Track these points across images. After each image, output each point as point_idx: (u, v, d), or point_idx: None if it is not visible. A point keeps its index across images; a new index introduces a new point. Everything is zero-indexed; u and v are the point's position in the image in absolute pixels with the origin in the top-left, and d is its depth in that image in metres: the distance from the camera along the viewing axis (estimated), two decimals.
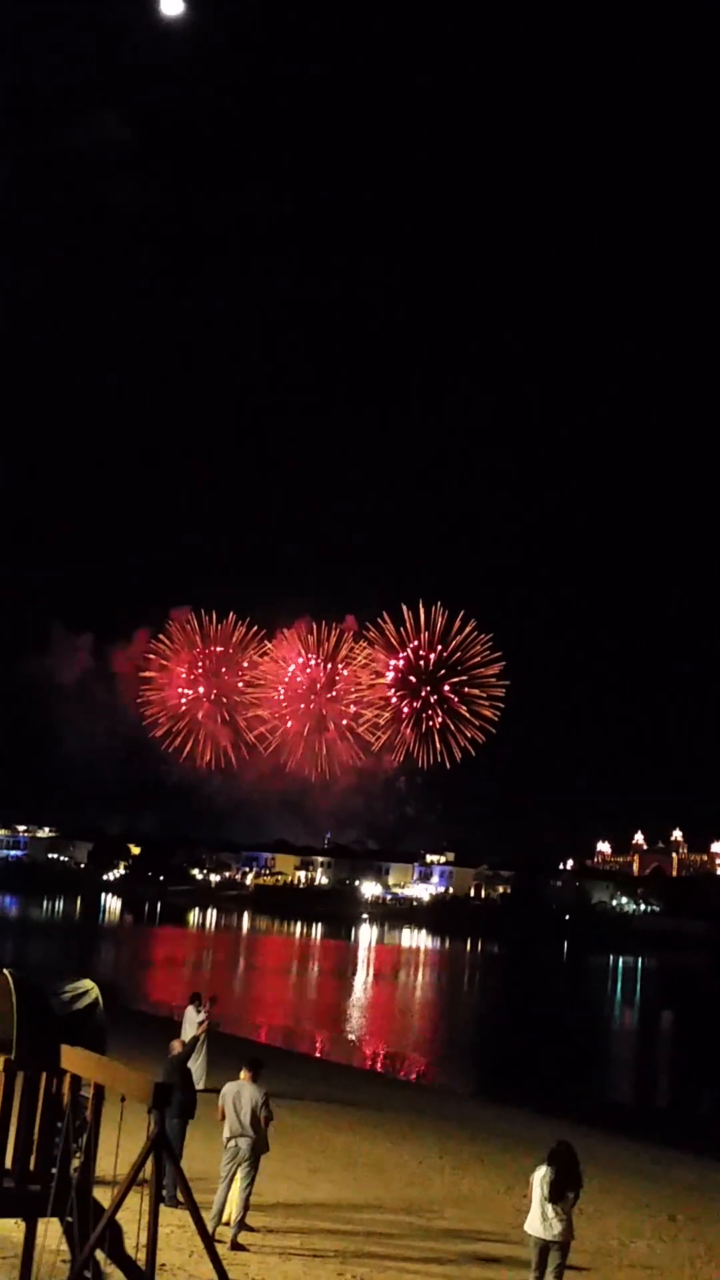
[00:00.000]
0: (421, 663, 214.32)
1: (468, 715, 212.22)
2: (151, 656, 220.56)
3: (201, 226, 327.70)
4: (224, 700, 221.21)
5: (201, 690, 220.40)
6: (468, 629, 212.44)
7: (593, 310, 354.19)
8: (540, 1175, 13.03)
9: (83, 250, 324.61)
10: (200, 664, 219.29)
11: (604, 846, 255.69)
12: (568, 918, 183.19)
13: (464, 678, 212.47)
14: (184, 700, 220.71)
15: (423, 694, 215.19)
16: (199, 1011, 24.80)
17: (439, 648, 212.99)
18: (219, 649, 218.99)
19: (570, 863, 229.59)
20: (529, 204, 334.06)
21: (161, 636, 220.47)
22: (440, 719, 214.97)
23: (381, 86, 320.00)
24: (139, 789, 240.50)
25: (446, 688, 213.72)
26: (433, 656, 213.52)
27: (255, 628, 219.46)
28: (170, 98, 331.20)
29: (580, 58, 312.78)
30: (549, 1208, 12.91)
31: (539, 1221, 12.98)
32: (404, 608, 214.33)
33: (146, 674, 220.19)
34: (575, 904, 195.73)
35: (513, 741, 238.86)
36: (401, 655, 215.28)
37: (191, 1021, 24.69)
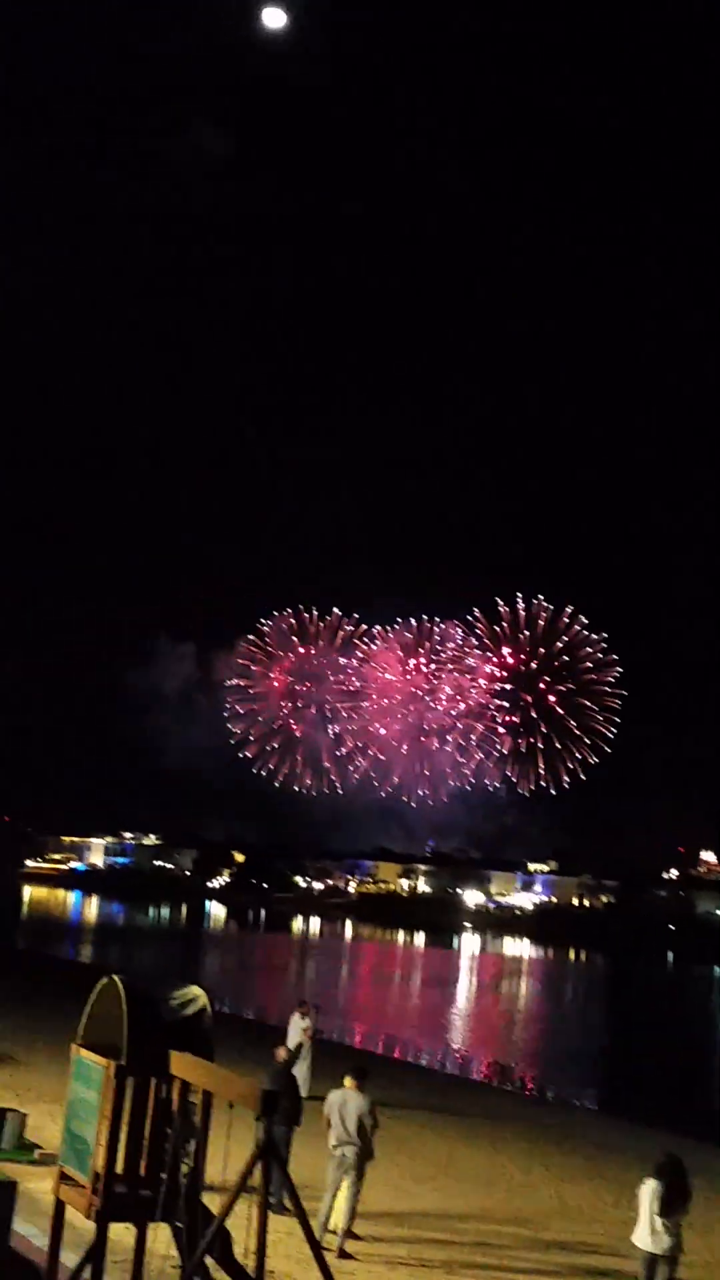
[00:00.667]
0: (524, 668, 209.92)
1: (578, 732, 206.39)
2: (251, 663, 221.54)
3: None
4: (324, 707, 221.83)
5: (299, 701, 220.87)
6: (573, 628, 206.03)
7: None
8: (649, 1188, 12.92)
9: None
10: (300, 669, 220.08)
11: (709, 856, 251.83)
12: (672, 928, 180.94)
13: (572, 686, 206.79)
14: (284, 710, 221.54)
15: (526, 705, 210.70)
16: (304, 1019, 24.93)
17: (541, 650, 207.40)
18: (316, 654, 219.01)
19: (675, 872, 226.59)
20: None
21: (259, 643, 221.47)
22: (544, 735, 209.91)
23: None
24: (241, 797, 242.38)
25: (553, 698, 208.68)
26: (534, 663, 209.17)
27: (357, 625, 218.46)
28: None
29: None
30: (658, 1221, 12.79)
31: (648, 1235, 12.87)
32: (500, 603, 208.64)
33: (244, 683, 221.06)
34: (680, 914, 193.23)
35: (617, 747, 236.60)
36: (498, 660, 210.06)
37: (297, 1028, 24.84)
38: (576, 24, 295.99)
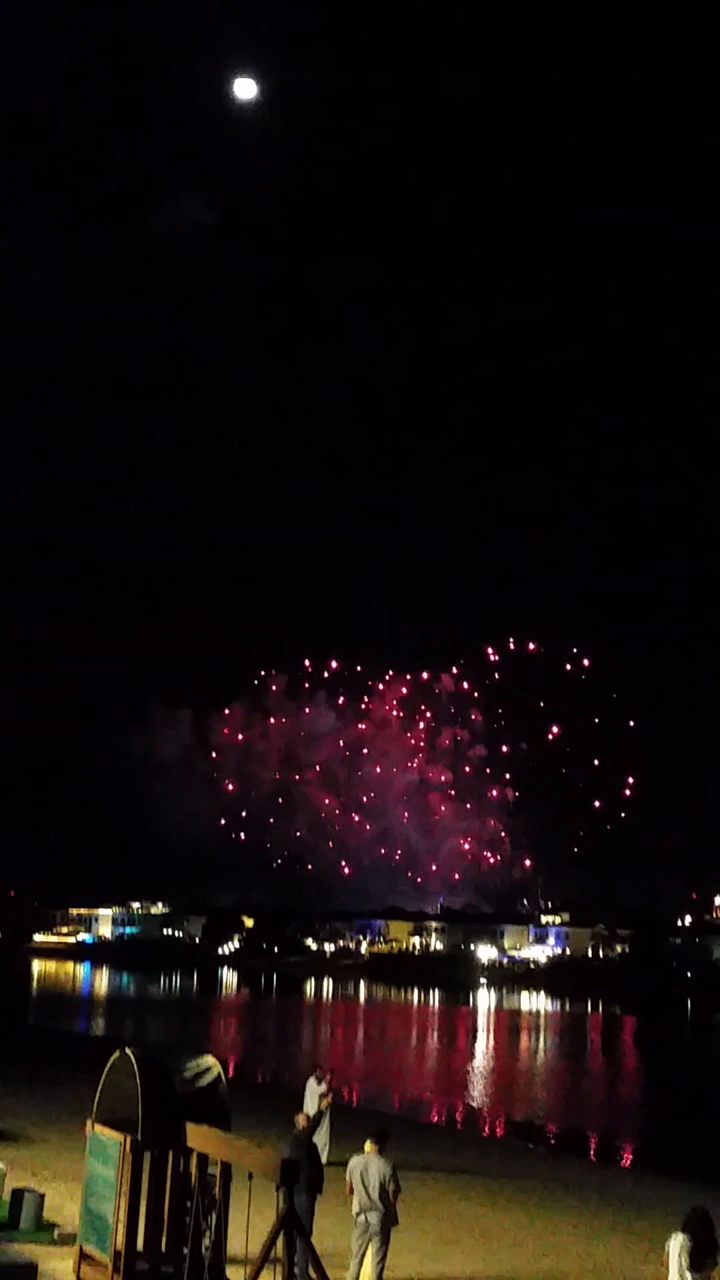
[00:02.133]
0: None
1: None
2: (245, 729, 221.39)
3: (288, 298, 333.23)
4: (324, 768, 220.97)
5: (299, 762, 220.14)
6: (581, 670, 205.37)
7: None
8: (677, 1244, 12.72)
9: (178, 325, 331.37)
10: (296, 730, 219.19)
11: None
12: (689, 975, 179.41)
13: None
14: (282, 771, 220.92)
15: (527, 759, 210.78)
16: (320, 1084, 24.61)
17: (541, 704, 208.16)
18: (313, 714, 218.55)
19: (689, 919, 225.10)
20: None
21: (256, 704, 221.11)
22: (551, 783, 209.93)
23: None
24: (246, 862, 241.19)
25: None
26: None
27: (354, 682, 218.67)
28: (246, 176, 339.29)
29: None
30: (688, 1275, 12.58)
31: None
32: (492, 653, 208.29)
33: (241, 741, 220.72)
34: (696, 961, 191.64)
35: (621, 796, 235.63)
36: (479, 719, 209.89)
37: (313, 1094, 24.49)
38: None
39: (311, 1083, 24.84)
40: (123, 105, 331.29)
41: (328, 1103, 23.62)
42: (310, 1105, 23.44)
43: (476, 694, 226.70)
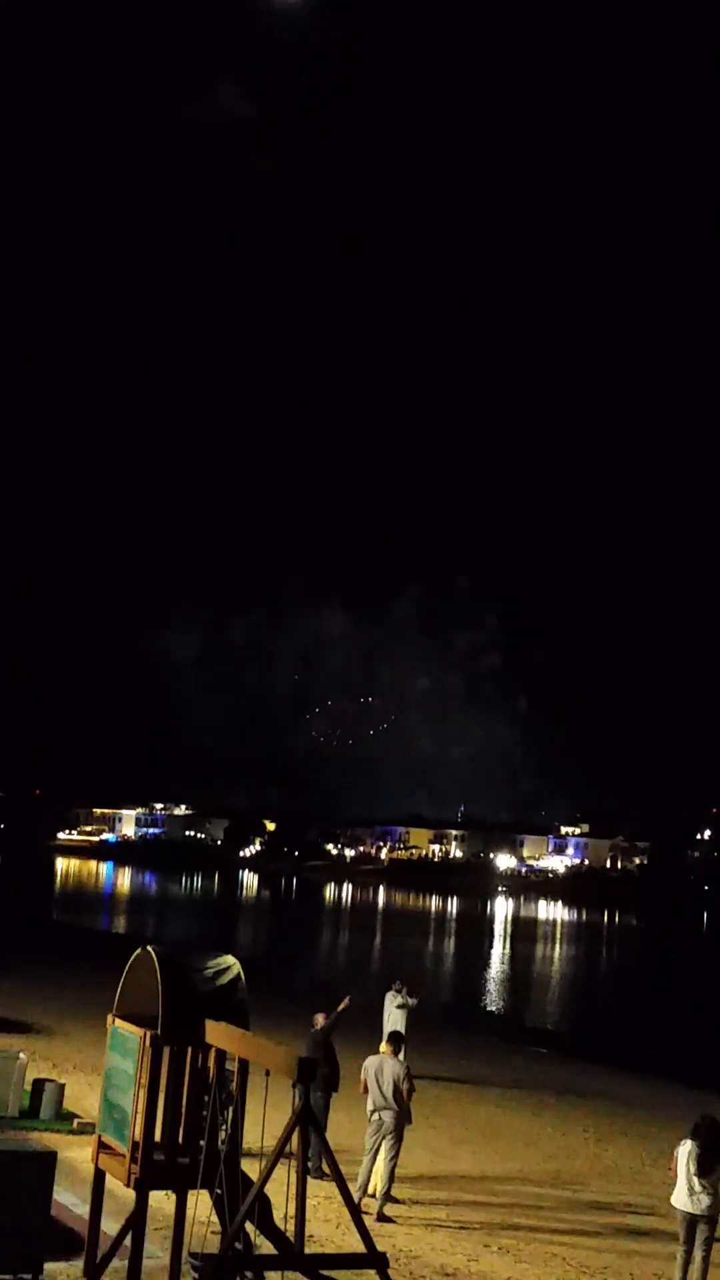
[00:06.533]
0: None
1: None
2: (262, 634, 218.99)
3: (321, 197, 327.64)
4: (344, 672, 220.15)
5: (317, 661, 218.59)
6: None
7: None
8: (685, 1150, 12.91)
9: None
10: (312, 632, 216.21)
11: None
12: (707, 888, 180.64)
13: None
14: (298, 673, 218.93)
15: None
16: (398, 995, 23.82)
17: None
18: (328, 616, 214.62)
19: (708, 833, 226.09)
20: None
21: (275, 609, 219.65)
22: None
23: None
24: (266, 764, 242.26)
25: None
26: None
27: (369, 589, 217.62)
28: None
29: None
30: (696, 1181, 12.79)
31: (686, 1196, 12.87)
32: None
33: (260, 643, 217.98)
34: (715, 874, 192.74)
35: (642, 708, 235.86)
36: None
37: (391, 1006, 23.69)
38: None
39: (390, 995, 24.17)
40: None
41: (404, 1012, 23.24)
42: (389, 1018, 23.17)
43: (492, 599, 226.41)
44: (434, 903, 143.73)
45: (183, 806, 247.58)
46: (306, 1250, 9.82)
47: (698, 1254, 12.89)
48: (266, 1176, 9.24)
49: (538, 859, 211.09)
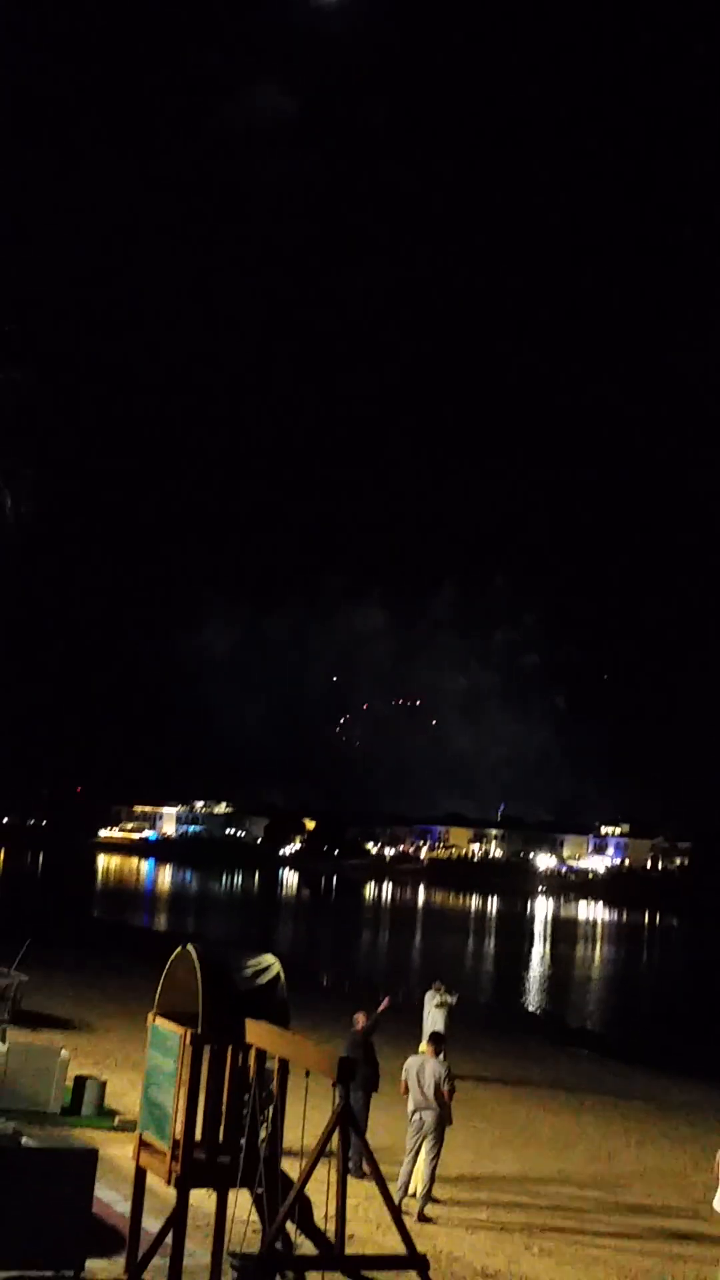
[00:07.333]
0: None
1: None
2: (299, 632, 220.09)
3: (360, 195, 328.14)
4: (382, 670, 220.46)
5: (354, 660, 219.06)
6: None
7: None
8: None
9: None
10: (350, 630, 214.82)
11: None
12: None
13: None
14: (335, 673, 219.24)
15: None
16: (437, 994, 23.87)
17: None
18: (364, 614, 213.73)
19: None
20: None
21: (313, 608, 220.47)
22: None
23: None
24: (306, 763, 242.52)
25: None
26: None
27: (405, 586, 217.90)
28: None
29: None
30: None
31: None
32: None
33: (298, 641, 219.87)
34: None
35: (683, 706, 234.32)
36: None
37: (430, 1004, 23.74)
38: None
39: (430, 994, 24.12)
40: None
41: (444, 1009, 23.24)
42: (428, 1018, 23.13)
43: (530, 598, 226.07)
44: (474, 902, 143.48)
45: (223, 804, 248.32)
46: (347, 1251, 9.79)
47: None
48: (307, 1176, 9.22)
49: (578, 859, 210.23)
